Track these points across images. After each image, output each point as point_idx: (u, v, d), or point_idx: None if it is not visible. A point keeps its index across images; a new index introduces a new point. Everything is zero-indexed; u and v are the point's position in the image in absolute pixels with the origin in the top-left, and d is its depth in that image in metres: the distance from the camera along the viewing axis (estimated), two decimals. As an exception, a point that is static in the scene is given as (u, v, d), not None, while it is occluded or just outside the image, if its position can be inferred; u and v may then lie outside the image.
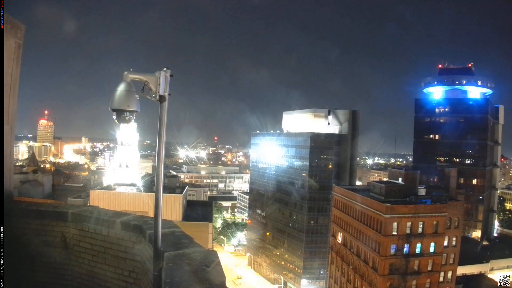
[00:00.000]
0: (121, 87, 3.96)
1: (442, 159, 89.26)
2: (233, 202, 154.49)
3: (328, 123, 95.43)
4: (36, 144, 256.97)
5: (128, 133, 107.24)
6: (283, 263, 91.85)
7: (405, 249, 52.04)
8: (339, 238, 65.58)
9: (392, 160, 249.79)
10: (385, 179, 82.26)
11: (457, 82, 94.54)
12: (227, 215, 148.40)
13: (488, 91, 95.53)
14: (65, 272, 5.60)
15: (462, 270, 63.03)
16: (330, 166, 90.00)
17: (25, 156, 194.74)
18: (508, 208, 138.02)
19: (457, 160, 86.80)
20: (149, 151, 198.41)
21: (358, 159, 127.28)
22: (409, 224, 51.93)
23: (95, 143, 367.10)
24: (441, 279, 54.85)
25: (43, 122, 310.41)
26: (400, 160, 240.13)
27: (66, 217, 5.62)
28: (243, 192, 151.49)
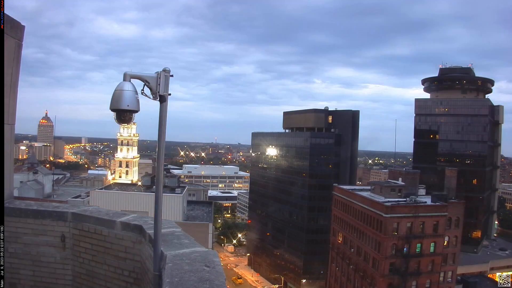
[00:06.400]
0: (121, 87, 3.95)
1: (442, 159, 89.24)
2: (233, 202, 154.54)
3: (329, 123, 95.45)
4: (36, 144, 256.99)
5: (128, 133, 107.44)
6: (283, 263, 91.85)
7: (405, 249, 52.06)
8: (339, 238, 65.59)
9: (392, 160, 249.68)
10: (385, 179, 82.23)
11: (457, 82, 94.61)
12: (227, 215, 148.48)
13: (488, 91, 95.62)
14: (65, 272, 5.60)
15: (462, 270, 63.03)
16: (330, 166, 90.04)
17: (25, 156, 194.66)
18: (508, 208, 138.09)
19: (457, 160, 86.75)
20: (149, 151, 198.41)
21: (358, 159, 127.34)
22: (409, 224, 51.95)
23: (95, 143, 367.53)
24: (441, 279, 54.86)
25: (43, 122, 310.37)
26: (400, 160, 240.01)
27: (66, 217, 5.62)
28: (243, 192, 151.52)
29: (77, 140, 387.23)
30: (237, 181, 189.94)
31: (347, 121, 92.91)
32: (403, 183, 59.55)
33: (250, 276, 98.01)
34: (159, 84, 4.02)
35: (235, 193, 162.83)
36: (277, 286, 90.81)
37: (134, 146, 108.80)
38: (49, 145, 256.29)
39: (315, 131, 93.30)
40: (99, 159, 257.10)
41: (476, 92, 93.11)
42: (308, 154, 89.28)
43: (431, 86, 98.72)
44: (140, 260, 5.02)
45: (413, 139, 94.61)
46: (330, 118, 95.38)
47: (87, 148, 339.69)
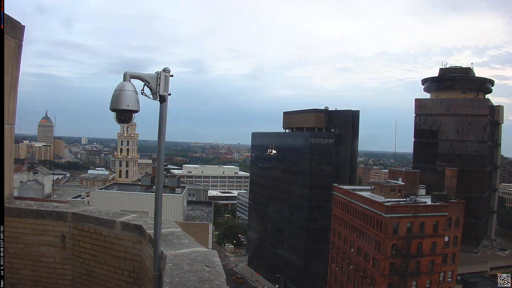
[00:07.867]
0: (121, 87, 3.95)
1: (442, 159, 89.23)
2: (233, 202, 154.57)
3: (329, 123, 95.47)
4: (36, 144, 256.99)
5: (128, 133, 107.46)
6: (283, 263, 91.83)
7: (405, 249, 52.09)
8: (339, 238, 65.61)
9: (392, 160, 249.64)
10: (385, 179, 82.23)
11: (457, 82, 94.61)
12: (227, 215, 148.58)
13: (488, 91, 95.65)
14: (65, 272, 5.61)
15: (462, 270, 63.02)
16: (330, 166, 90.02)
17: (25, 156, 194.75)
18: (508, 208, 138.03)
19: (457, 160, 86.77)
20: (149, 151, 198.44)
21: (358, 159, 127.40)
22: (409, 224, 51.97)
23: (95, 143, 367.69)
24: (441, 279, 54.88)
25: (43, 122, 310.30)
26: (400, 160, 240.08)
27: (66, 217, 5.63)
28: (243, 192, 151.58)
29: (77, 140, 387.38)
30: (237, 181, 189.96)
31: (347, 121, 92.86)
32: (403, 183, 59.58)
33: (250, 276, 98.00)
34: (159, 84, 4.03)
35: (235, 193, 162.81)
36: (277, 286, 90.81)
37: (134, 146, 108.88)
38: (49, 145, 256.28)
39: (315, 131, 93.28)
40: (99, 159, 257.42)
41: (476, 92, 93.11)
42: (308, 154, 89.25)
43: (431, 86, 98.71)
44: (140, 260, 5.02)
45: (413, 139, 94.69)
46: (330, 118, 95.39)
47: (86, 148, 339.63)
